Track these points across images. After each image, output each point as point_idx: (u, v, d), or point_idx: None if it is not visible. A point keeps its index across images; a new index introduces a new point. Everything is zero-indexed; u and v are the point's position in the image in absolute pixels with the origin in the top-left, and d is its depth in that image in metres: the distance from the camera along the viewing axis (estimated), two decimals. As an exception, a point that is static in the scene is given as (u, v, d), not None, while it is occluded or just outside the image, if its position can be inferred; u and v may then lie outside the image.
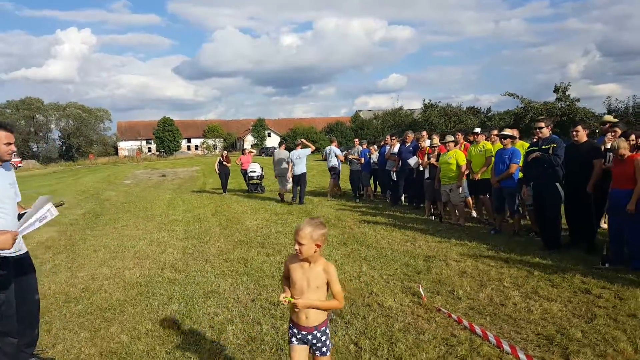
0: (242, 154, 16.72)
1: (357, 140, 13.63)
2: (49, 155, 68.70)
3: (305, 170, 12.05)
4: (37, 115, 70.00)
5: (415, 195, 10.78)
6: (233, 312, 4.57)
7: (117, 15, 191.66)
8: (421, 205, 10.33)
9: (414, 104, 66.26)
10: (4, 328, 3.22)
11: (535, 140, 6.69)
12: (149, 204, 13.74)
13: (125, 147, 76.92)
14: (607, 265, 5.44)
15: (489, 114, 36.09)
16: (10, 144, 3.39)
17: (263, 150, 63.56)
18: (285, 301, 2.50)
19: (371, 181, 12.94)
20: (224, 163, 15.36)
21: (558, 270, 5.42)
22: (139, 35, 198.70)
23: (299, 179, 11.95)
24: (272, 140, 73.97)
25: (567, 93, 27.28)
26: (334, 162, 13.12)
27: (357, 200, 12.45)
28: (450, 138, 8.78)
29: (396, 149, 11.35)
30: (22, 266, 3.44)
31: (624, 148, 5.28)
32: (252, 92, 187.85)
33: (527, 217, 7.87)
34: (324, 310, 2.55)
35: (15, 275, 3.37)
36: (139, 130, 79.28)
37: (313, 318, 2.55)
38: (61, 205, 3.69)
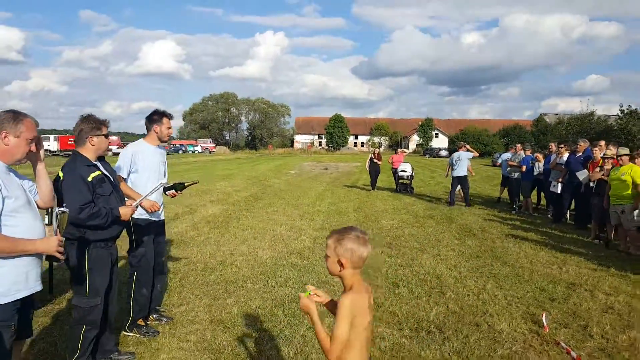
0: (395, 152, 16.69)
1: (519, 145, 12.34)
2: (238, 143, 79.35)
3: (465, 174, 12.13)
4: (231, 108, 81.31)
5: (583, 214, 9.33)
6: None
7: (307, 19, 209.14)
8: (588, 225, 8.91)
9: (614, 110, 56.94)
10: (142, 277, 3.91)
11: None
12: (303, 193, 14.77)
13: (300, 140, 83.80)
14: None
15: None
16: (169, 127, 4.06)
17: (427, 151, 62.26)
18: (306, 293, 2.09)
19: (535, 193, 11.64)
20: (375, 160, 15.57)
21: None
22: (325, 37, 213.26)
23: (459, 181, 12.14)
24: (439, 141, 71.91)
25: None
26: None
27: (514, 212, 11.33)
28: (624, 150, 7.29)
29: (564, 158, 9.97)
30: (158, 230, 4.10)
31: None
32: (425, 91, 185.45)
33: None
34: (316, 332, 1.93)
35: (155, 236, 4.04)
36: (313, 126, 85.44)
37: None
38: (195, 183, 4.35)
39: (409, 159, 18.31)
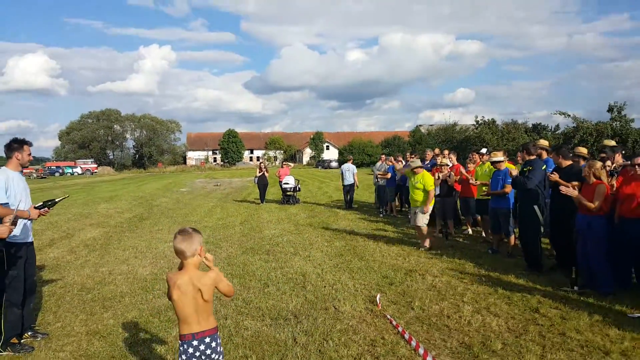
0: (281, 167, 17.63)
1: (383, 156, 14.04)
2: (123, 162, 74.71)
3: (353, 182, 14.62)
4: (115, 126, 76.46)
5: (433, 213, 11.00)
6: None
7: (195, 33, 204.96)
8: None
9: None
10: (13, 299, 4.14)
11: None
12: (191, 210, 14.97)
13: (193, 156, 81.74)
14: (575, 288, 5.53)
15: (557, 131, 34.53)
16: (30, 154, 4.37)
17: (319, 163, 64.89)
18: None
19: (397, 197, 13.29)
20: (263, 174, 16.33)
21: (523, 290, 5.60)
22: (214, 52, 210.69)
23: (349, 189, 14.64)
24: (330, 153, 75.26)
25: (622, 113, 25.84)
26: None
27: (381, 215, 12.82)
28: (416, 162, 8.51)
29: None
30: (28, 251, 4.37)
31: (587, 172, 5.40)
32: (317, 105, 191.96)
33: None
34: None
35: (26, 258, 4.30)
36: (206, 141, 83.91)
37: None
38: (66, 198, 4.75)
39: (301, 172, 19.42)
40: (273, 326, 4.66)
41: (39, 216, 4.28)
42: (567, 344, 4.08)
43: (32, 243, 4.45)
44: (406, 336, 4.25)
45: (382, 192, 13.29)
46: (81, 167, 59.42)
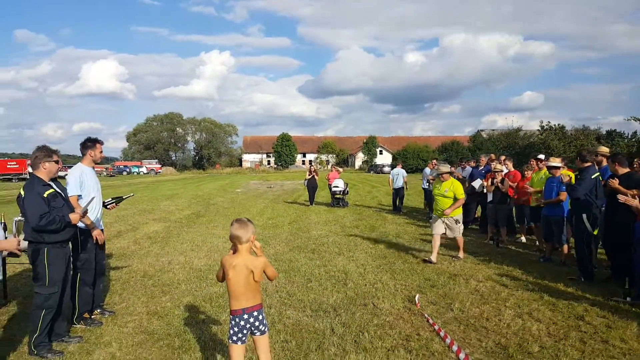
0: (331, 170, 17.94)
1: (434, 161, 13.95)
2: (184, 163, 78.44)
3: (402, 186, 14.82)
4: (177, 128, 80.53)
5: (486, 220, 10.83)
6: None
7: (253, 39, 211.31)
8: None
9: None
10: (85, 278, 4.68)
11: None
12: (244, 210, 15.61)
13: (248, 159, 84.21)
14: (628, 299, 5.36)
15: (634, 138, 32.41)
16: (101, 151, 4.91)
17: (372, 168, 64.69)
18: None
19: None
20: (313, 177, 16.71)
21: (570, 299, 5.49)
22: (271, 56, 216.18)
23: (397, 192, 14.80)
24: (383, 158, 74.82)
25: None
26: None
27: (430, 221, 12.75)
28: (445, 168, 8.00)
29: (467, 171, 11.59)
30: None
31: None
32: (371, 109, 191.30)
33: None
34: None
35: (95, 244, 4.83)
36: (261, 145, 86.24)
37: None
38: (131, 196, 5.22)
39: (353, 176, 19.66)
40: (313, 317, 4.91)
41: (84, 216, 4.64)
42: (609, 351, 4.02)
43: (102, 230, 4.98)
44: (441, 334, 4.36)
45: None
46: (146, 167, 63.01)
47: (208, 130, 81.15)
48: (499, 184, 9.41)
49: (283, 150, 76.25)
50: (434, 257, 7.50)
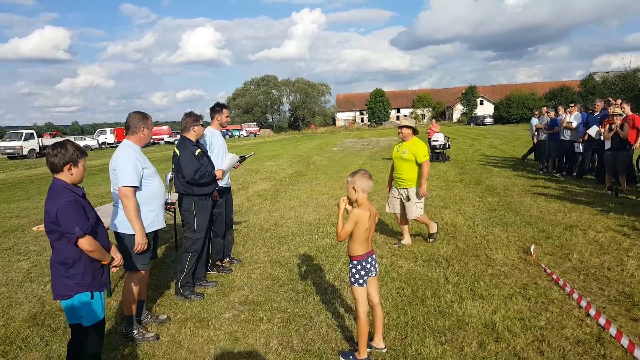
0: (431, 124, 17.47)
1: (544, 108, 12.89)
2: (280, 125, 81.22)
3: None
4: (273, 91, 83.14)
5: (602, 168, 9.95)
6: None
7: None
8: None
9: (671, 60, 53.50)
10: (217, 229, 5.27)
11: None
12: (343, 167, 15.96)
13: (342, 117, 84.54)
14: None
15: None
16: (227, 116, 5.37)
17: (472, 120, 61.36)
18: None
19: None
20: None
21: None
22: (361, 10, 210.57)
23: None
24: (484, 109, 70.42)
25: None
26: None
27: (541, 172, 12.02)
28: (406, 121, 6.82)
29: (573, 117, 10.73)
30: (227, 194, 5.45)
31: None
32: (470, 57, 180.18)
33: None
34: (337, 221, 3.20)
35: (225, 198, 5.40)
36: (353, 102, 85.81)
37: None
38: (253, 155, 5.70)
39: (452, 129, 18.97)
40: (425, 267, 5.05)
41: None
42: None
43: (229, 188, 5.52)
44: (560, 282, 4.26)
45: (543, 147, 12.34)
46: (246, 130, 66.34)
47: (302, 91, 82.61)
48: (618, 129, 8.52)
49: (377, 107, 75.12)
50: (405, 240, 6.00)
